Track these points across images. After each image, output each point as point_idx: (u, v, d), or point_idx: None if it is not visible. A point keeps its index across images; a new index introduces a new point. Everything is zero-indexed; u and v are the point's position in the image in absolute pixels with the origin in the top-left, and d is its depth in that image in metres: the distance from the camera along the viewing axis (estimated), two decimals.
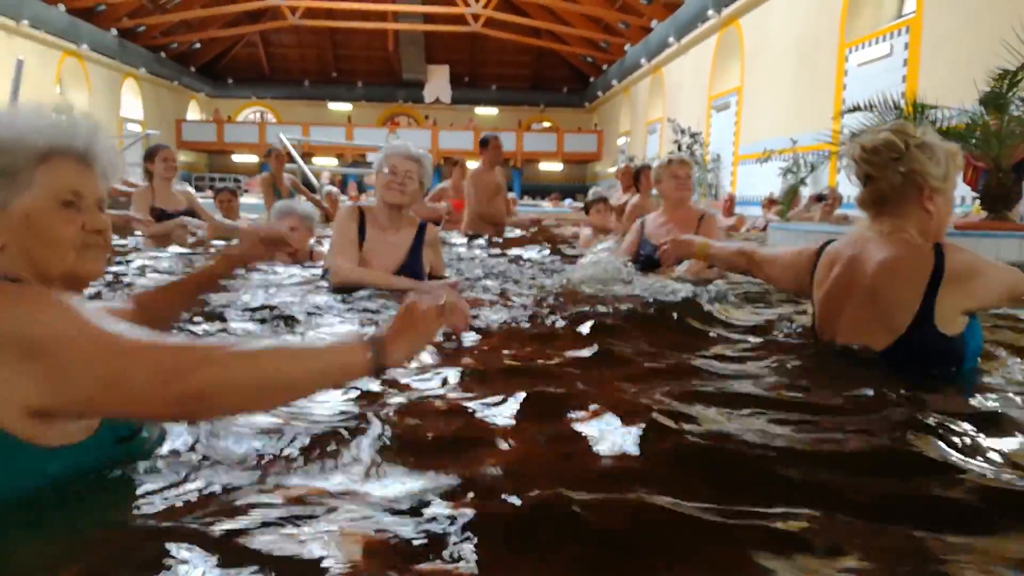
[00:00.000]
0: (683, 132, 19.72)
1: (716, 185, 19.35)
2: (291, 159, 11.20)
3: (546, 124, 39.48)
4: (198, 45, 33.59)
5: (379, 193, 3.12)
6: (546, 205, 15.06)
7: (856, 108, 6.21)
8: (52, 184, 1.36)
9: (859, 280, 2.21)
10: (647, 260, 3.90)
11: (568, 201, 22.22)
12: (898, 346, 2.10)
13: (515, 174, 36.69)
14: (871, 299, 2.16)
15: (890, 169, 2.10)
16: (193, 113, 36.60)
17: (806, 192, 9.67)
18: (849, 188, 6.80)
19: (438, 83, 37.47)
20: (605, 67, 32.45)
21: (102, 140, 1.48)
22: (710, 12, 19.29)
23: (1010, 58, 5.74)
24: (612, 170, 30.26)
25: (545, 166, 38.15)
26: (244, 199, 9.04)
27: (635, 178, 7.47)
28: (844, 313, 2.25)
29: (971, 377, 2.13)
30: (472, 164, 8.56)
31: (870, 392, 1.92)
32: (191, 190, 5.41)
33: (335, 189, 10.09)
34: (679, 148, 19.88)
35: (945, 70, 10.93)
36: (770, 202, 8.90)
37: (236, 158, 36.53)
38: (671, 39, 22.63)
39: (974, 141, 5.87)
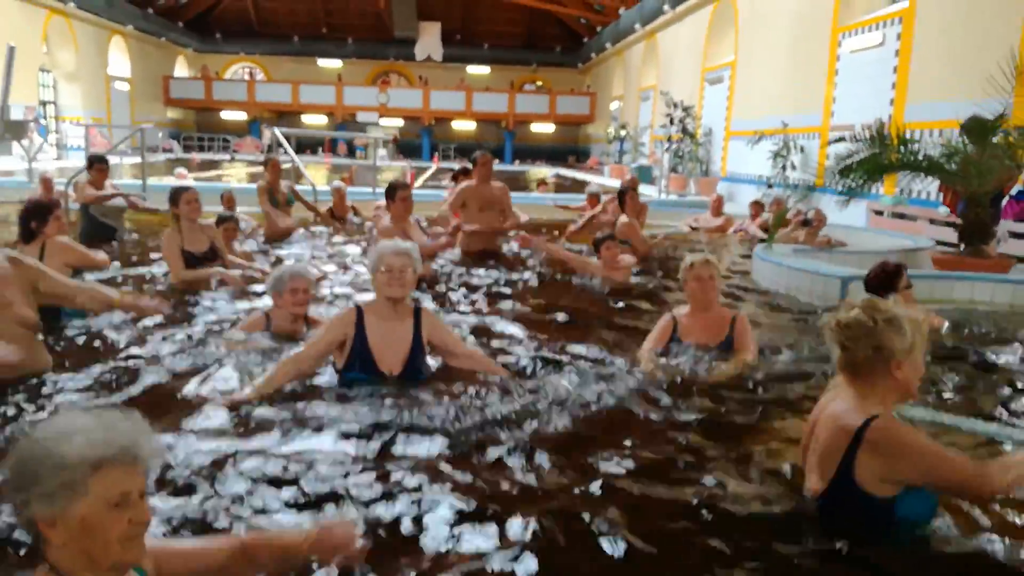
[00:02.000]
0: (676, 106, 19.65)
1: (707, 161, 19.37)
2: (285, 160, 11.18)
3: (538, 84, 39.14)
4: None
5: (381, 291, 3.31)
6: (536, 194, 14.75)
7: (841, 139, 6.29)
8: (104, 491, 1.52)
9: (816, 425, 2.41)
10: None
11: (551, 199, 18.48)
12: (828, 493, 2.31)
13: (506, 136, 36.50)
14: (816, 445, 2.37)
15: (861, 343, 2.28)
16: (181, 69, 36.08)
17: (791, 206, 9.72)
18: (834, 211, 6.89)
19: (430, 40, 36.95)
20: (599, 29, 32.09)
21: (145, 439, 1.60)
22: None
23: (991, 91, 5.80)
24: (607, 131, 30.07)
25: (537, 127, 37.93)
26: (239, 191, 9.05)
27: (619, 199, 7.32)
28: (808, 452, 2.45)
29: (897, 544, 2.23)
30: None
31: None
32: (211, 225, 5.42)
33: (343, 184, 10.06)
34: (671, 122, 19.84)
35: (937, 64, 10.96)
36: (756, 205, 8.91)
37: (225, 115, 36.17)
38: (666, 7, 22.41)
39: (953, 169, 5.97)
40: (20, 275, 3.36)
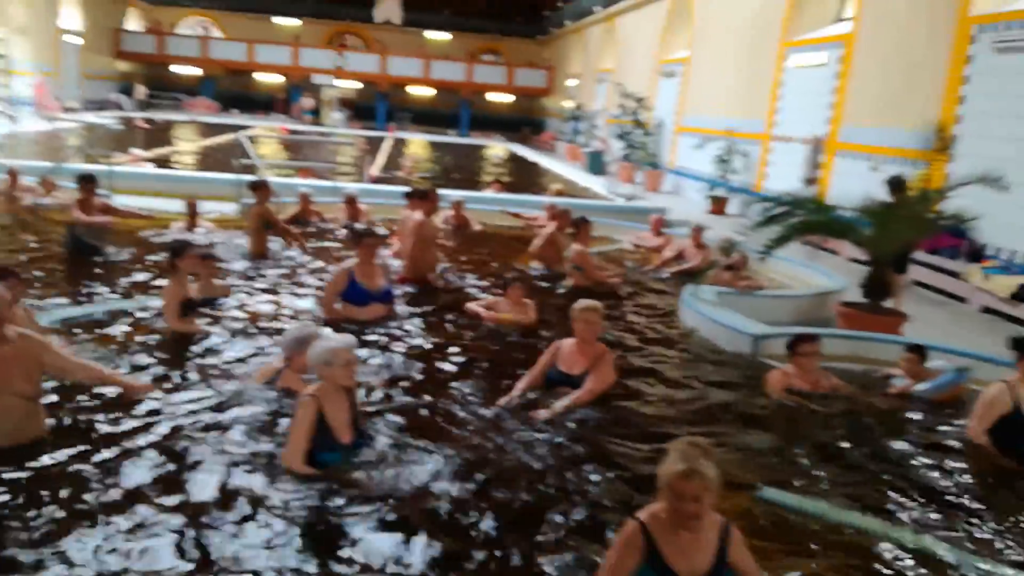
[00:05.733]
0: (628, 96, 20.05)
1: (656, 153, 19.86)
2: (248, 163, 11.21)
3: (497, 56, 39.07)
4: None
5: None
6: (489, 192, 14.49)
7: (766, 199, 6.84)
8: None
9: None
10: (557, 381, 4.70)
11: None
12: None
13: (463, 104, 36.55)
14: None
15: None
16: (132, 23, 35.20)
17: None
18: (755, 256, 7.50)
19: (389, 3, 36.58)
20: (560, 3, 32.23)
21: None
22: None
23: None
24: (566, 104, 30.36)
25: (494, 97, 38.01)
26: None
27: (575, 227, 7.72)
28: None
29: None
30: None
31: None
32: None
33: (309, 191, 10.15)
34: (624, 111, 20.27)
35: (872, 91, 11.55)
36: (697, 231, 9.37)
37: (176, 70, 35.48)
38: None
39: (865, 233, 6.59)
40: (27, 351, 3.66)
